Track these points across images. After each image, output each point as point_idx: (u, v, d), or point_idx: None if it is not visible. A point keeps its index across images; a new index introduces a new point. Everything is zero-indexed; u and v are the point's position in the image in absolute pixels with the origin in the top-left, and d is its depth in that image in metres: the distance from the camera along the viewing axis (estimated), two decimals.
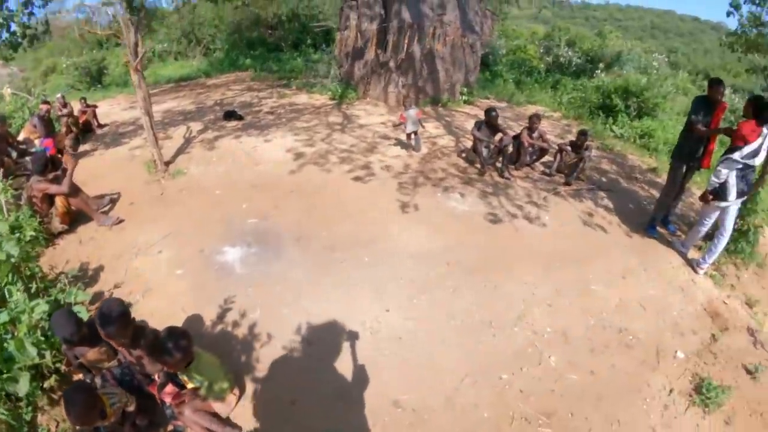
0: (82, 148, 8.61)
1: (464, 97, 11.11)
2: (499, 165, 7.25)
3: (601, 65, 15.32)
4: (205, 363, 3.38)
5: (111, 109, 11.73)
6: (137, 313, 4.24)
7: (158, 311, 4.38)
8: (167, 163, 7.28)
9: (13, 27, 6.39)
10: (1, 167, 6.31)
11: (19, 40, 6.47)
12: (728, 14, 5.48)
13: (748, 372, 4.30)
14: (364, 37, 10.42)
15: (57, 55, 21.52)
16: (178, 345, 3.05)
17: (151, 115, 6.91)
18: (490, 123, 7.01)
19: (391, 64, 10.34)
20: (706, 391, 3.94)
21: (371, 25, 10.37)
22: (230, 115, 9.57)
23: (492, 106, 7.40)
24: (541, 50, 17.43)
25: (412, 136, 7.74)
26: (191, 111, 10.73)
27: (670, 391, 4.01)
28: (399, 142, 8.22)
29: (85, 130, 9.44)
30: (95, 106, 9.98)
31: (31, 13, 6.45)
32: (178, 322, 4.23)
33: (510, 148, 7.11)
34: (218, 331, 4.22)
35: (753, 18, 5.28)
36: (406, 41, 9.95)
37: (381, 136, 8.64)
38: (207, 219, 5.80)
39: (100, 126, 9.79)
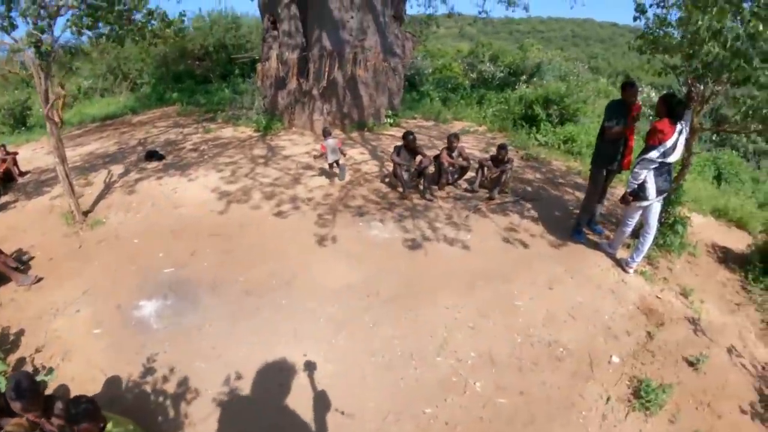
0: (3, 199, 8.11)
1: (390, 120, 11.21)
2: (421, 187, 7.32)
3: (523, 77, 15.82)
4: (118, 426, 3.23)
5: (34, 153, 11.12)
6: (58, 379, 4.04)
7: (78, 375, 4.16)
8: (86, 213, 6.96)
9: None
10: None
11: None
12: (635, 19, 5.66)
13: (690, 364, 4.36)
14: (286, 66, 10.39)
15: None
16: (83, 412, 2.94)
17: (65, 162, 6.59)
18: (408, 146, 7.09)
19: (315, 92, 10.33)
20: (645, 393, 3.93)
21: (292, 54, 10.36)
22: (151, 156, 9.25)
23: (409, 129, 7.45)
24: (466, 67, 17.87)
25: (335, 165, 7.71)
26: (113, 153, 10.31)
27: (608, 399, 4.00)
28: (323, 172, 8.17)
29: (6, 180, 8.91)
30: (15, 153, 9.45)
31: None
32: (98, 386, 4.04)
33: (431, 169, 7.20)
34: (137, 392, 4.02)
35: (658, 20, 5.47)
36: (327, 68, 9.98)
37: (305, 166, 8.58)
38: (124, 272, 5.55)
39: (22, 174, 9.25)
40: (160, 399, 3.95)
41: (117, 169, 9.01)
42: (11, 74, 15.97)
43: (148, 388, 4.05)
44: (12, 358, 4.35)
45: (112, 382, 4.10)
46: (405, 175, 7.13)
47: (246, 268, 5.56)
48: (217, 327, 4.67)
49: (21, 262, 5.84)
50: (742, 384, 4.27)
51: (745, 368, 4.44)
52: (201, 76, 17.58)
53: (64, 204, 7.11)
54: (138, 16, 6.71)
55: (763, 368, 4.49)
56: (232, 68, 17.03)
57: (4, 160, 8.98)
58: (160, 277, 5.42)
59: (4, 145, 9.46)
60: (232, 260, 5.72)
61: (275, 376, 4.12)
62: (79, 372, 4.20)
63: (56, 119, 13.47)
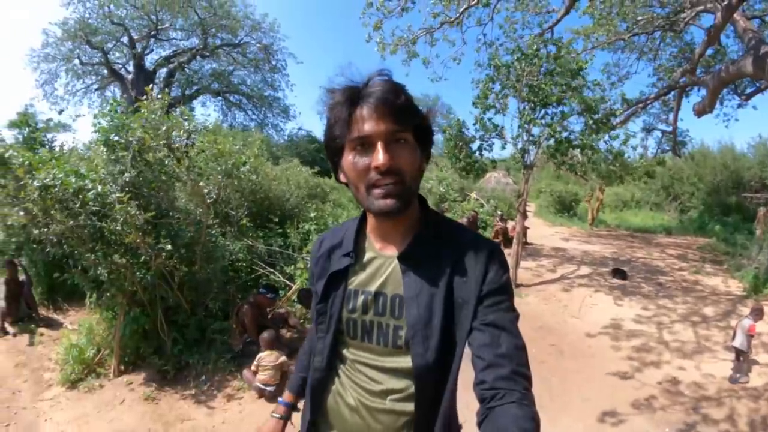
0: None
1: None
2: None
3: None
4: None
5: (551, 235, 13.50)
6: None
7: None
8: (518, 285, 8.47)
9: None
10: None
11: None
12: None
13: None
14: None
15: None
16: None
17: (520, 245, 8.36)
18: None
19: None
20: None
21: None
22: (616, 273, 9.48)
23: None
24: None
25: (740, 355, 5.69)
26: (599, 258, 11.28)
27: None
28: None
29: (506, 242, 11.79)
30: (506, 224, 12.14)
31: None
32: None
33: None
34: None
35: None
36: None
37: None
38: None
39: (527, 244, 11.83)
40: None
41: (583, 270, 9.96)
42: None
43: None
44: None
45: None
46: None
47: None
48: None
49: None
50: None
51: None
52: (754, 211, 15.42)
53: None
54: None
55: None
56: None
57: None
58: None
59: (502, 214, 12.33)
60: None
61: None
62: None
63: (589, 216, 15.54)
